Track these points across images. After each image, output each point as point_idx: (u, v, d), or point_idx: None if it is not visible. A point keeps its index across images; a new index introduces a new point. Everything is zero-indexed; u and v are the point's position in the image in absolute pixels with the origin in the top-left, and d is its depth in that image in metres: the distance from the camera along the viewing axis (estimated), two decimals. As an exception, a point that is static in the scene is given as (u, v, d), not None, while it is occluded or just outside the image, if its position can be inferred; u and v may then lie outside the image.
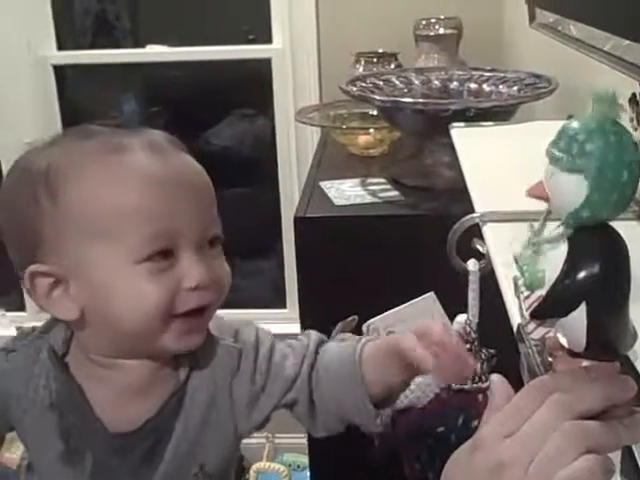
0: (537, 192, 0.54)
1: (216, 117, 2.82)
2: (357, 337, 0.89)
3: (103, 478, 0.85)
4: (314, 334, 0.91)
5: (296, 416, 0.90)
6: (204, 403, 0.85)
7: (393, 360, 0.81)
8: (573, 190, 0.50)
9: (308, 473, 1.80)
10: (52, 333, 0.86)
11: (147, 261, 0.77)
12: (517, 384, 0.57)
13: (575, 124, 0.51)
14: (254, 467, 2.41)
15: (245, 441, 0.93)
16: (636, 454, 0.53)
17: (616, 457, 0.51)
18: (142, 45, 2.56)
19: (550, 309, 0.53)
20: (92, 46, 2.68)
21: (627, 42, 0.91)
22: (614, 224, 0.53)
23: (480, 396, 0.99)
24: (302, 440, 1.81)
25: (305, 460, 1.99)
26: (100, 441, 0.84)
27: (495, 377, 0.59)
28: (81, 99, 2.81)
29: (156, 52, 2.48)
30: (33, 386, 0.84)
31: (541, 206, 0.56)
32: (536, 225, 0.56)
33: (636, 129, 0.88)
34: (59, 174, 0.77)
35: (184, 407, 0.85)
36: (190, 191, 0.80)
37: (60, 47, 2.46)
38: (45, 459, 0.85)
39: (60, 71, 2.48)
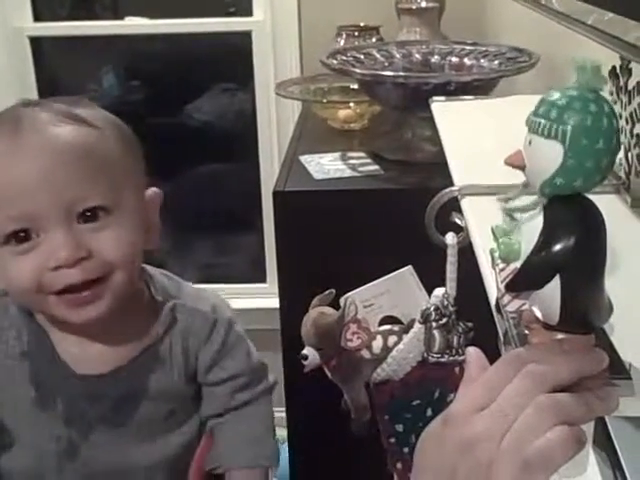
0: (515, 161, 0.53)
1: (197, 91, 2.79)
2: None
3: (77, 423, 0.89)
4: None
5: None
6: (182, 360, 0.93)
7: None
8: (549, 156, 0.50)
9: (286, 446, 1.80)
10: None
11: (7, 244, 0.78)
12: (494, 357, 0.57)
13: (556, 92, 0.50)
14: (234, 441, 2.41)
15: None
16: (609, 425, 0.53)
17: (589, 428, 0.51)
18: (121, 17, 2.53)
19: (524, 281, 0.53)
20: (70, 18, 2.63)
21: (609, 15, 0.90)
22: (592, 197, 0.53)
23: (457, 369, 0.99)
24: (281, 414, 1.82)
25: (284, 433, 1.99)
26: (68, 384, 0.89)
27: (471, 350, 0.59)
28: (59, 72, 2.77)
29: (135, 24, 2.45)
30: (4, 338, 0.88)
31: (519, 180, 0.55)
32: (510, 194, 0.55)
33: (616, 102, 0.88)
34: None
35: (160, 362, 0.91)
36: (47, 170, 0.78)
37: (36, 18, 2.42)
38: (19, 408, 0.89)
39: (36, 43, 2.44)
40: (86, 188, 0.81)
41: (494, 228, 0.56)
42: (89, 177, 0.81)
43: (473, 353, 0.58)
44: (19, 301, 0.85)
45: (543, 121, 0.50)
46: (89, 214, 0.81)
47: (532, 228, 0.52)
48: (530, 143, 0.51)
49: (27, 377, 0.88)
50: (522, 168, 0.53)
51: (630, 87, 0.85)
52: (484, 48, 1.67)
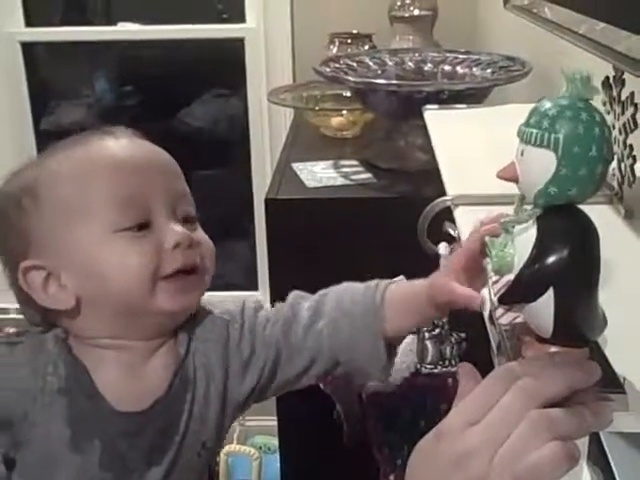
0: (507, 174, 0.53)
1: (189, 97, 2.79)
2: (375, 282, 0.90)
3: (113, 465, 0.83)
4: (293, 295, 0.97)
5: (285, 377, 0.91)
6: (204, 379, 0.87)
7: (423, 305, 0.83)
8: (542, 166, 0.49)
9: (278, 456, 1.79)
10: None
11: (125, 230, 0.81)
12: (487, 369, 0.56)
13: (547, 102, 0.50)
14: (224, 450, 2.39)
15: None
16: (603, 440, 0.53)
17: (583, 444, 0.50)
18: (114, 23, 2.52)
19: (517, 294, 0.52)
20: (62, 23, 2.62)
21: (602, 24, 0.90)
22: (585, 208, 0.52)
23: (449, 380, 0.98)
24: (272, 423, 1.81)
25: (275, 442, 1.98)
26: (108, 423, 0.83)
27: (464, 364, 0.58)
28: (51, 78, 2.76)
29: (128, 30, 2.45)
30: (41, 375, 0.82)
31: (513, 189, 0.54)
32: (515, 218, 0.55)
33: (609, 112, 0.87)
34: (39, 179, 0.83)
35: (189, 386, 0.86)
36: (156, 165, 0.85)
37: (28, 23, 2.41)
38: (51, 450, 0.82)
39: (29, 48, 2.43)
40: (185, 190, 0.88)
41: (487, 240, 0.56)
42: (183, 182, 0.88)
43: (465, 368, 0.57)
44: (125, 294, 0.81)
45: (535, 131, 0.50)
46: (188, 220, 0.86)
47: (525, 240, 0.52)
48: (522, 154, 0.51)
49: (64, 415, 0.82)
50: (515, 181, 0.52)
51: (623, 97, 0.84)
52: (477, 57, 1.67)
